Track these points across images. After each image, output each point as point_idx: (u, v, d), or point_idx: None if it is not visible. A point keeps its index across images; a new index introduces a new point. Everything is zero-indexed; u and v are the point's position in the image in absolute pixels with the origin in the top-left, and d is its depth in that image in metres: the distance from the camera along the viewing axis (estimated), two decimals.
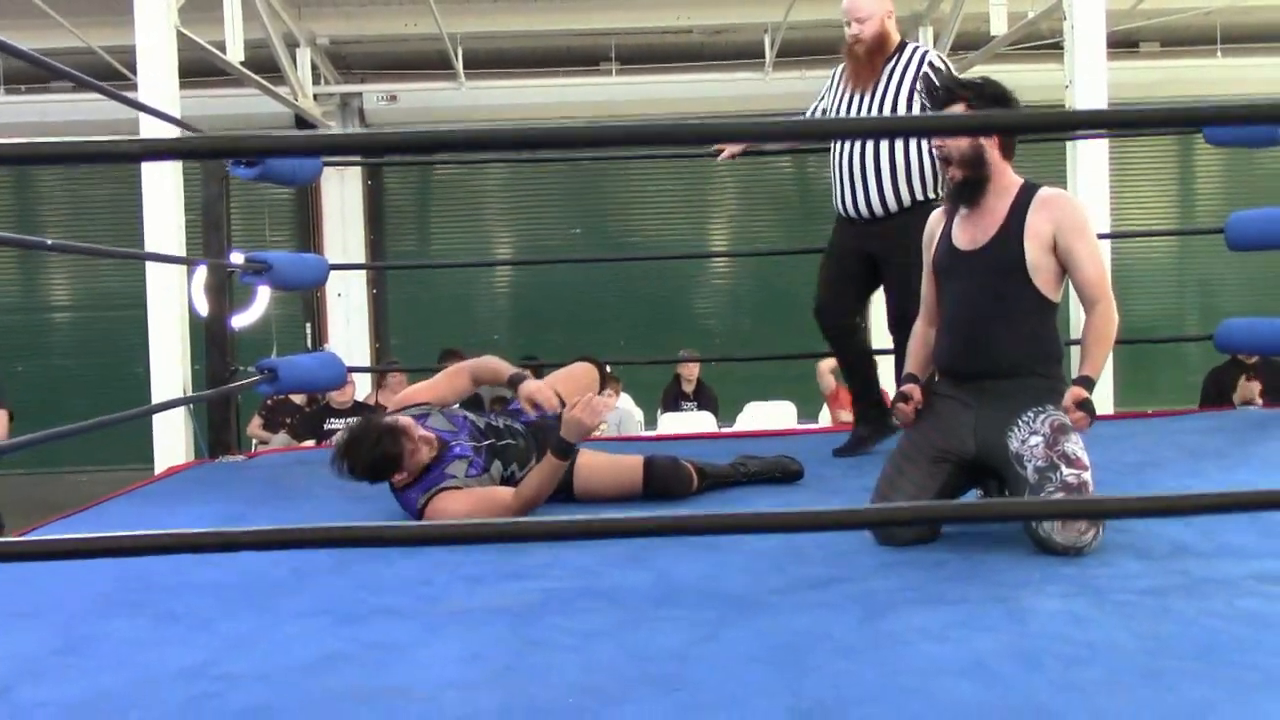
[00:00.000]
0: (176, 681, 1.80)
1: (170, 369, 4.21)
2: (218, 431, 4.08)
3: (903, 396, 2.67)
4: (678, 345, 8.08)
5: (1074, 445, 2.44)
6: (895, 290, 3.55)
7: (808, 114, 3.93)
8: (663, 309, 9.28)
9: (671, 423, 7.28)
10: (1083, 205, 2.75)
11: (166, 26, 4.49)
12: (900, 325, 3.38)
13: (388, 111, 8.83)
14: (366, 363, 8.79)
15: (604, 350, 5.88)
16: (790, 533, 2.44)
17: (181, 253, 4.37)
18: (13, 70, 8.48)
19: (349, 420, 5.84)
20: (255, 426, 6.73)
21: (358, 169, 8.84)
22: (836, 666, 1.78)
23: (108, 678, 1.84)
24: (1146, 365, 8.39)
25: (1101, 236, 3.24)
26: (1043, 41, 7.40)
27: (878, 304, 3.73)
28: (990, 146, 2.56)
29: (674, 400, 7.69)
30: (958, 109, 2.54)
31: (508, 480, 2.96)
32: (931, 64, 3.51)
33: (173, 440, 4.21)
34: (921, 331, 2.79)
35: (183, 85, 4.60)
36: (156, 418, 4.20)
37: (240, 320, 5.62)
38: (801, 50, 8.50)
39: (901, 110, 3.50)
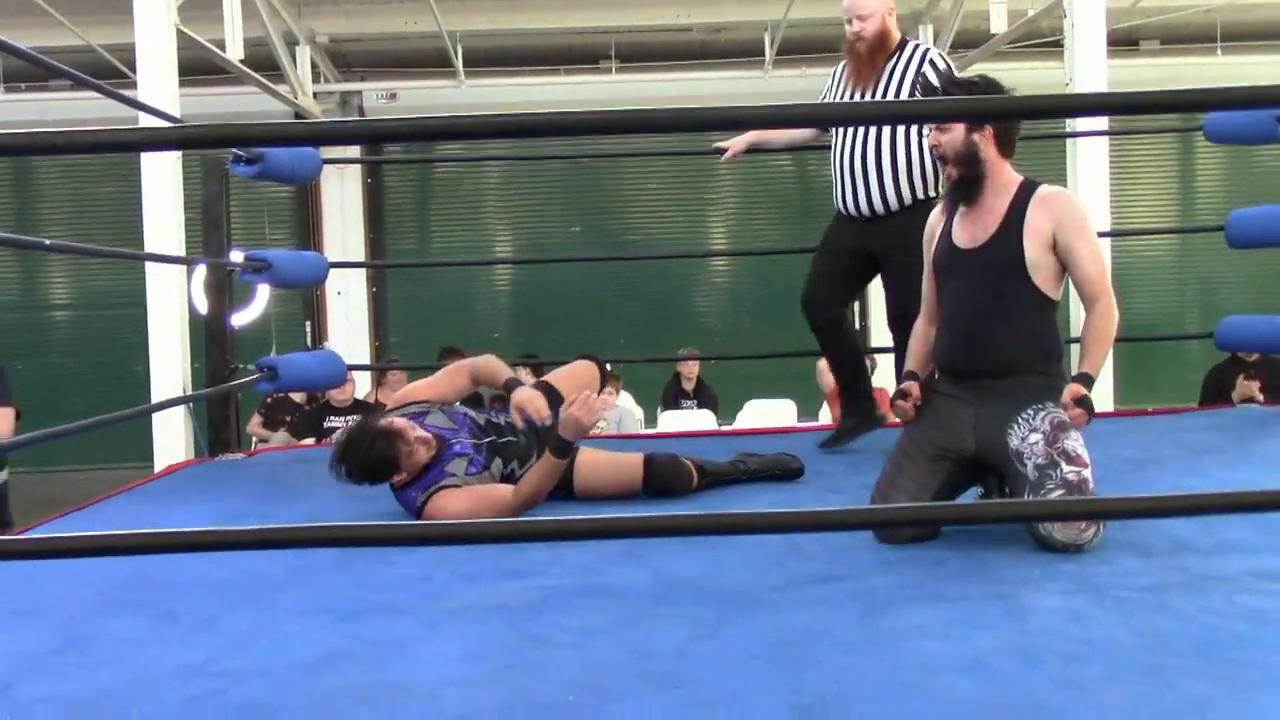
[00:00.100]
0: (177, 679, 1.80)
1: (170, 367, 4.21)
2: (217, 429, 4.08)
3: (902, 394, 2.67)
4: (678, 343, 8.08)
5: (1074, 442, 2.44)
6: (895, 288, 3.55)
7: None
8: (663, 307, 9.28)
9: (671, 421, 7.29)
10: (1082, 203, 2.75)
11: (166, 24, 4.50)
12: (900, 323, 3.38)
13: (387, 109, 8.84)
14: (366, 361, 8.79)
15: (604, 348, 5.87)
16: (790, 533, 2.44)
17: (181, 251, 4.38)
18: (12, 69, 8.49)
19: (349, 418, 5.86)
20: (255, 424, 6.73)
21: (357, 168, 8.85)
22: (836, 663, 1.78)
23: (108, 675, 1.84)
24: (1147, 363, 8.39)
25: (1101, 234, 3.23)
26: (1043, 39, 7.41)
27: (878, 303, 3.73)
28: (986, 144, 2.55)
29: (674, 398, 7.69)
30: None
31: (508, 477, 2.96)
32: (932, 62, 3.51)
33: (172, 438, 4.22)
34: (922, 330, 2.80)
35: (182, 83, 4.61)
36: (156, 416, 4.20)
37: (240, 318, 5.61)
38: (802, 48, 8.51)
39: None
